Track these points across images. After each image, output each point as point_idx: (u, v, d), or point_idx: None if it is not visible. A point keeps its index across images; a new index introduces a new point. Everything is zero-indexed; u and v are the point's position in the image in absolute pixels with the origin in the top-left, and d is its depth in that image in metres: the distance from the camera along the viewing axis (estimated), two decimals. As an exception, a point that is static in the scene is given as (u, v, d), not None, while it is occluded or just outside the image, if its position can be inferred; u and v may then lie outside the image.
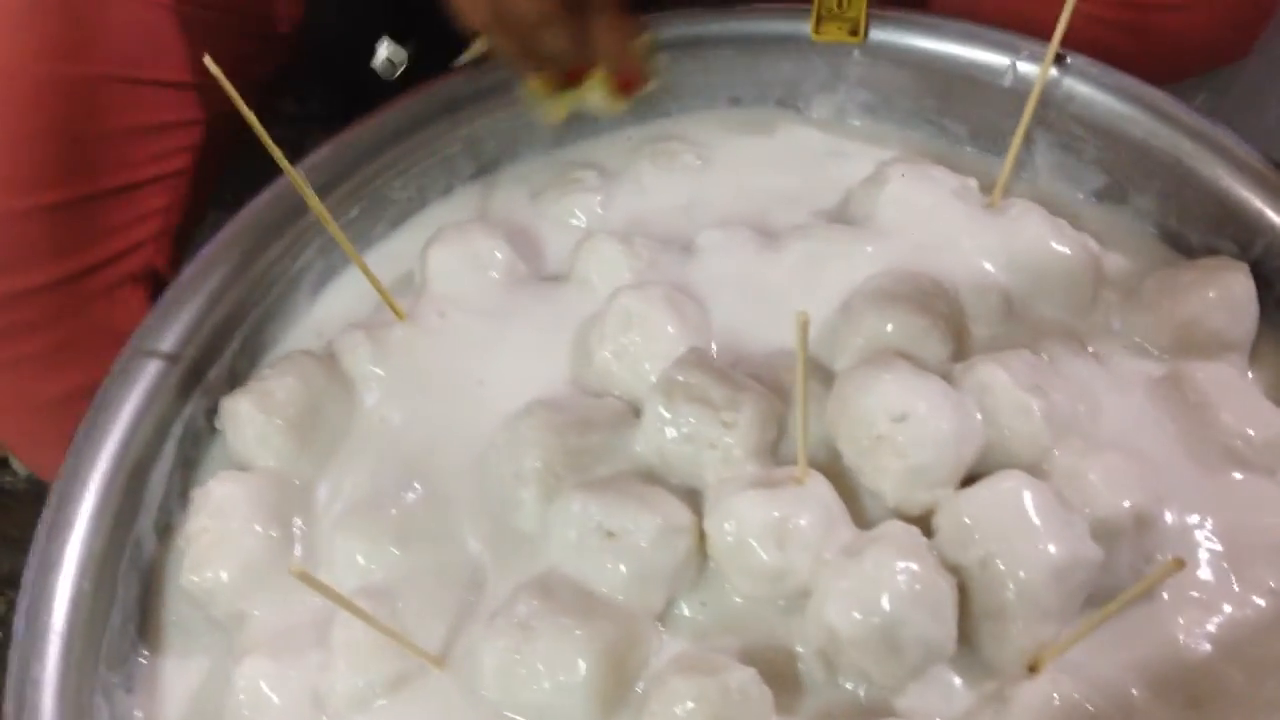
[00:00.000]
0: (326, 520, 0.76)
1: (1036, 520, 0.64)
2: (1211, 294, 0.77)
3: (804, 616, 0.65)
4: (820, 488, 0.67)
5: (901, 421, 0.67)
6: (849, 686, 0.66)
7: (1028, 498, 0.64)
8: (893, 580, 0.61)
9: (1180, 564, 0.53)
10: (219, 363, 0.82)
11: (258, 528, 0.74)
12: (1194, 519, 0.71)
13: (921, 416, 0.67)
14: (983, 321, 0.79)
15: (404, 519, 0.74)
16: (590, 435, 0.73)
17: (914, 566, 0.62)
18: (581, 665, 0.63)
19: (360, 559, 0.73)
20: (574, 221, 0.91)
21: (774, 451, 0.72)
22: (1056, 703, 0.62)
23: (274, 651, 0.70)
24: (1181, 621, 0.68)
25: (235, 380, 0.83)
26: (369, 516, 0.74)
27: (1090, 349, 0.79)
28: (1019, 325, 0.80)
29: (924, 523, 0.67)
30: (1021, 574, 0.63)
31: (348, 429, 0.80)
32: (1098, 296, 0.82)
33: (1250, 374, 0.79)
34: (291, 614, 0.72)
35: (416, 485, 0.76)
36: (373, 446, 0.79)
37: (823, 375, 0.76)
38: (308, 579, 0.55)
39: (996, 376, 0.70)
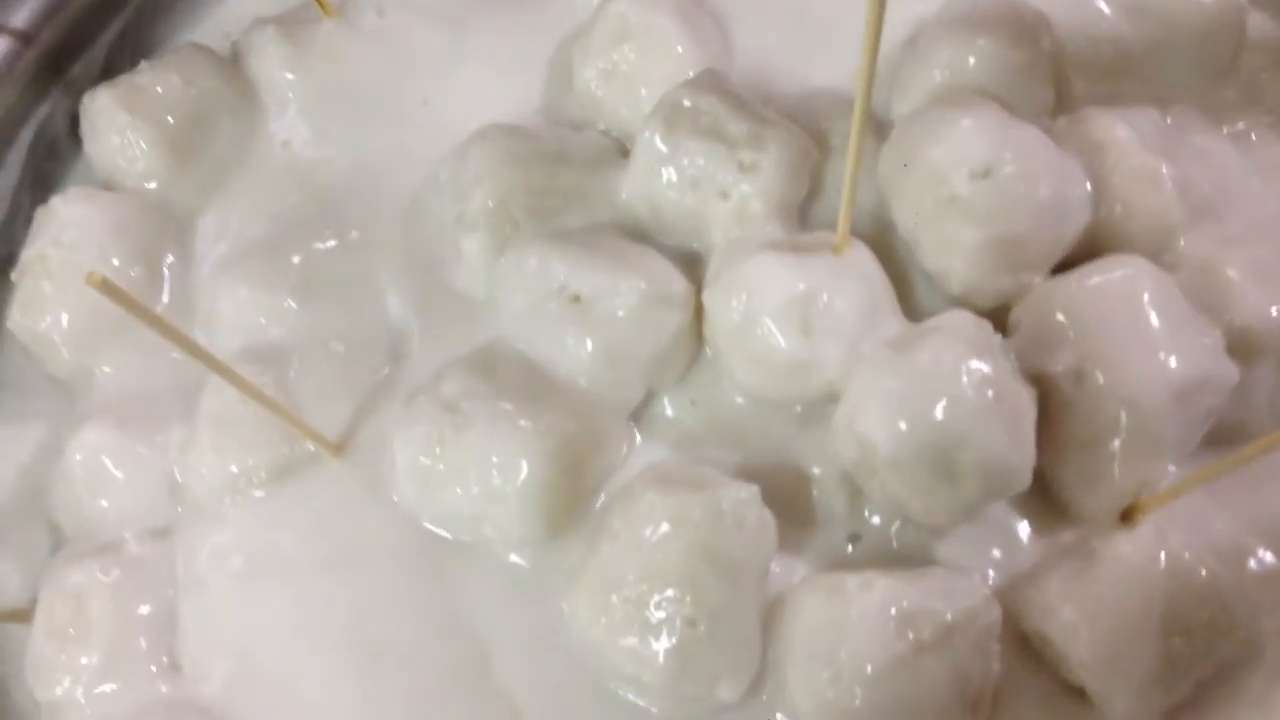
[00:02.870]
0: (209, 261, 0.61)
1: (1156, 322, 0.49)
2: (1395, 62, 0.60)
3: (829, 428, 0.50)
4: (863, 259, 0.52)
5: (984, 179, 0.51)
6: (877, 522, 0.51)
7: (1146, 292, 0.50)
8: (955, 382, 0.46)
9: None
10: (88, 53, 0.65)
11: (115, 262, 0.58)
12: (1354, 340, 0.55)
13: (1010, 176, 0.51)
14: (1091, 75, 0.62)
15: (309, 267, 0.58)
16: (562, 172, 0.56)
17: (984, 368, 0.47)
18: (524, 466, 0.49)
19: (249, 312, 0.57)
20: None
21: (804, 213, 0.56)
22: (1161, 563, 0.48)
23: (122, 420, 0.55)
24: (1326, 468, 0.52)
25: (110, 78, 0.64)
26: (265, 260, 0.59)
27: (1224, 129, 0.61)
28: (1137, 85, 0.63)
29: (998, 319, 0.51)
30: (1130, 392, 0.48)
31: (247, 148, 0.63)
32: (1239, 60, 0.64)
33: None
34: (152, 375, 0.57)
35: (329, 226, 0.60)
36: (277, 173, 0.63)
37: (876, 127, 0.59)
38: (116, 293, 0.37)
39: (1115, 133, 0.54)
